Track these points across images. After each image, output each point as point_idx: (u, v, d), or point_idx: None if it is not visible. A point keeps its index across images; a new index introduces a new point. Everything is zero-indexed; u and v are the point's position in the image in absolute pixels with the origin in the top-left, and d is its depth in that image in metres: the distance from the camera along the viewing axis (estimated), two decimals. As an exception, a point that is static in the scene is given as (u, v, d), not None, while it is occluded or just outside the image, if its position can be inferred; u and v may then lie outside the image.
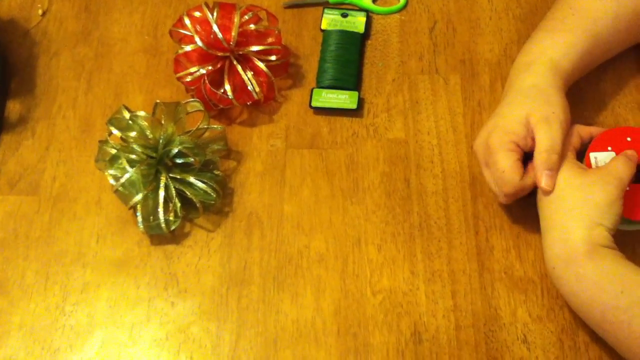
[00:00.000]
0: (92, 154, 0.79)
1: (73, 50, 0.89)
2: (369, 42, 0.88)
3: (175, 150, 0.74)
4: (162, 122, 0.76)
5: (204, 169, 0.77)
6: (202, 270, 0.74)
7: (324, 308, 0.72)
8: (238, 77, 0.81)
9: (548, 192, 0.68)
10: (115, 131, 0.75)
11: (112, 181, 0.74)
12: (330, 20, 0.89)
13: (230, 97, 0.80)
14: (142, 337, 0.72)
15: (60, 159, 0.81)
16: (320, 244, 0.76)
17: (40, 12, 0.92)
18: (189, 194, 0.75)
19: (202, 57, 0.81)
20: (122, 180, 0.73)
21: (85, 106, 0.85)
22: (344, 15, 0.89)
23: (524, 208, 0.74)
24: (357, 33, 0.87)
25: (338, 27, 0.88)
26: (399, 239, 0.75)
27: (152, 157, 0.74)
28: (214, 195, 0.75)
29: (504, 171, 0.69)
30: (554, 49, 0.74)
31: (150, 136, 0.75)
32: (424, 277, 0.73)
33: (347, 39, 0.87)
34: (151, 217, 0.74)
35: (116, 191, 0.74)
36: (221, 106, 0.81)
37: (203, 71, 0.80)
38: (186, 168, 0.76)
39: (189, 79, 0.81)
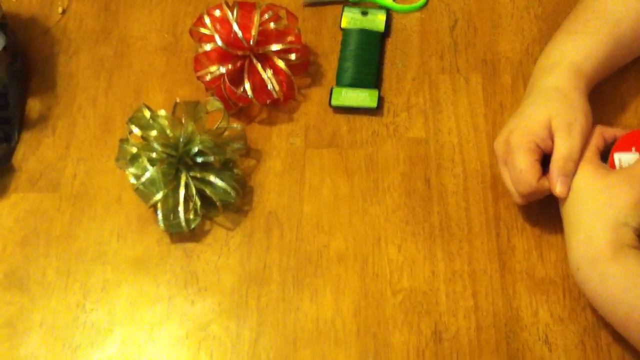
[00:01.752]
0: (112, 153, 0.80)
1: (93, 49, 0.90)
2: (389, 40, 0.88)
3: (196, 149, 0.74)
4: (183, 121, 0.76)
5: (223, 167, 0.77)
6: (222, 269, 0.74)
7: (344, 308, 0.72)
8: (258, 76, 0.80)
9: (563, 198, 0.68)
10: (135, 130, 0.75)
11: (132, 180, 0.74)
12: (350, 18, 0.88)
13: (249, 96, 0.80)
14: (162, 335, 0.72)
15: (80, 157, 0.82)
16: (340, 243, 0.75)
17: (60, 10, 0.93)
18: (208, 192, 0.75)
19: (222, 56, 0.81)
20: (143, 179, 0.73)
21: (106, 105, 0.85)
22: (364, 14, 0.88)
23: (546, 209, 0.73)
24: (377, 32, 0.87)
25: (358, 26, 0.87)
26: (419, 239, 0.75)
27: (172, 156, 0.74)
28: (234, 194, 0.75)
29: (521, 171, 0.68)
30: (575, 52, 0.73)
31: (171, 135, 0.75)
32: (444, 277, 0.73)
33: (367, 38, 0.87)
34: (171, 216, 0.74)
35: (137, 190, 0.74)
36: (241, 105, 0.81)
37: (223, 70, 0.80)
38: (206, 167, 0.76)
39: (208, 77, 0.81)
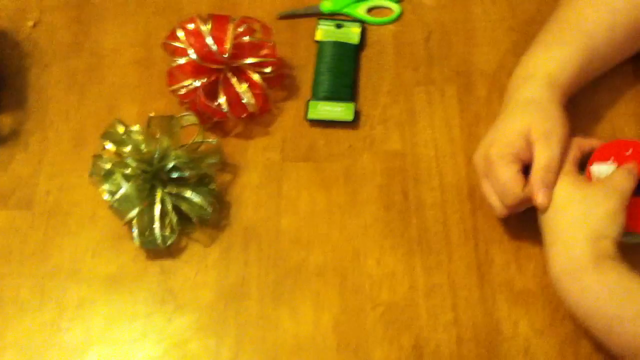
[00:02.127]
0: (85, 168, 0.78)
1: (65, 62, 0.88)
2: (364, 53, 0.88)
3: (171, 164, 0.73)
4: (157, 136, 0.75)
5: (199, 183, 0.76)
6: (200, 286, 0.73)
7: (324, 323, 0.71)
8: (233, 89, 0.80)
9: (544, 209, 0.68)
10: (109, 145, 0.74)
11: (106, 196, 0.73)
12: (324, 31, 0.88)
13: (225, 110, 0.79)
14: (139, 353, 0.70)
15: (53, 173, 0.80)
16: (319, 258, 0.75)
17: (30, 23, 0.91)
18: (184, 208, 0.74)
19: (196, 70, 0.80)
20: (117, 195, 0.72)
21: (78, 119, 0.84)
22: (339, 26, 0.88)
23: (524, 220, 0.73)
24: (352, 44, 0.87)
25: (332, 39, 0.87)
26: (397, 253, 0.75)
27: (147, 172, 0.74)
28: (210, 210, 0.75)
29: (505, 183, 0.69)
30: (550, 64, 0.74)
31: (145, 150, 0.74)
32: (423, 290, 0.73)
33: (342, 51, 0.87)
34: (147, 232, 0.73)
35: (111, 206, 0.73)
36: (216, 119, 0.81)
37: (197, 84, 0.79)
38: (181, 182, 0.75)
39: (183, 91, 0.80)
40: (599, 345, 0.68)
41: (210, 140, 0.79)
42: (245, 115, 0.81)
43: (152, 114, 0.76)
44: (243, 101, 0.80)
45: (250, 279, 0.74)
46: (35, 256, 0.75)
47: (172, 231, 0.74)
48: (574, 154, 0.70)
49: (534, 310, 0.71)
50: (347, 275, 0.74)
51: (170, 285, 0.73)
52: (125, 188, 0.72)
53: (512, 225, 0.75)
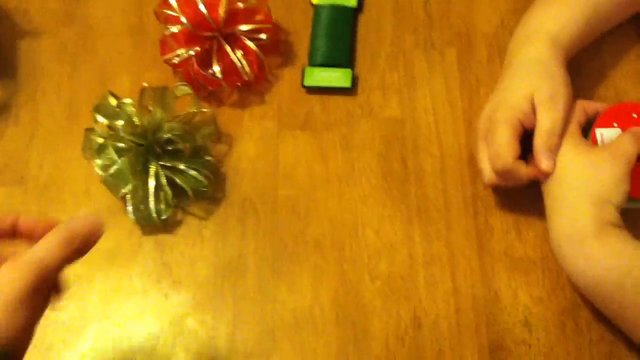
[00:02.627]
0: (78, 142, 0.77)
1: (55, 32, 0.86)
2: (362, 16, 0.85)
3: (165, 137, 0.72)
4: (150, 108, 0.74)
5: (194, 155, 0.74)
6: (196, 260, 0.73)
7: (322, 296, 0.71)
8: (227, 57, 0.78)
9: (548, 174, 0.67)
10: (101, 119, 0.72)
11: (99, 171, 0.72)
12: (321, -7, 0.86)
13: (219, 79, 0.77)
14: (136, 330, 0.70)
15: (45, 147, 0.79)
16: (317, 229, 0.74)
17: (20, -9, 0.89)
18: (179, 181, 0.73)
19: (190, 38, 0.78)
20: (111, 170, 0.71)
21: (70, 91, 0.82)
22: (336, -11, 0.86)
23: (524, 188, 0.72)
24: (350, 7, 0.85)
25: (329, 2, 0.85)
26: (396, 222, 0.74)
27: (140, 145, 0.72)
28: (206, 182, 0.73)
29: (500, 145, 0.67)
30: (552, 22, 0.72)
31: (138, 123, 0.73)
32: (423, 260, 0.72)
33: (339, 14, 0.84)
34: (142, 207, 0.72)
35: (104, 181, 0.72)
36: (210, 88, 0.79)
37: (191, 52, 0.78)
38: (176, 155, 0.73)
39: (176, 60, 0.78)
40: (599, 315, 0.67)
41: (204, 110, 0.77)
42: (240, 83, 0.79)
43: (145, 85, 0.75)
44: (238, 69, 0.78)
45: (248, 252, 0.73)
46: (30, 233, 0.75)
47: (168, 205, 0.73)
48: (577, 117, 0.69)
49: (533, 279, 0.70)
50: (345, 247, 0.73)
51: (167, 261, 0.73)
52: (118, 163, 0.71)
53: (512, 193, 0.73)
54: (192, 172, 0.73)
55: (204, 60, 0.78)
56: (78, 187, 0.77)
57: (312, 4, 0.85)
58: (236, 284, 0.72)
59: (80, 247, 0.49)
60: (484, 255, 0.72)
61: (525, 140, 0.68)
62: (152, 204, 0.72)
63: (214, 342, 0.69)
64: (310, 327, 0.69)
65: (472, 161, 0.75)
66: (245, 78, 0.78)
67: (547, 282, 0.70)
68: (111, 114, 0.73)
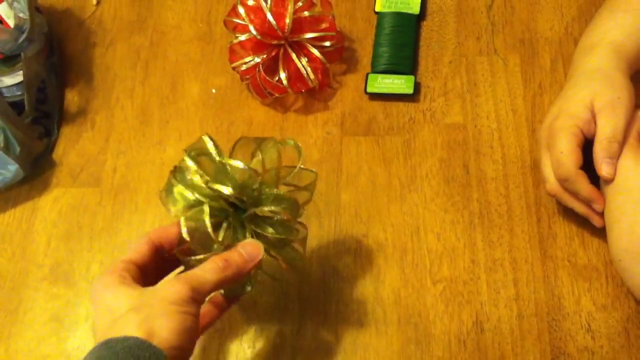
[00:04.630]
0: (150, 144, 0.81)
1: (128, 39, 0.90)
2: (425, 23, 0.86)
3: (269, 209, 0.60)
4: (259, 170, 0.60)
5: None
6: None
7: (384, 298, 0.72)
8: (292, 64, 0.80)
9: (609, 181, 0.66)
10: (191, 162, 0.59)
11: (184, 230, 0.58)
12: (384, 1, 0.87)
13: (285, 85, 0.80)
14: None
15: (120, 150, 0.83)
16: (379, 232, 0.75)
17: (94, 1, 0.93)
18: (273, 254, 0.63)
19: (257, 46, 0.80)
20: (197, 234, 0.58)
21: (143, 96, 0.86)
22: (399, -4, 0.87)
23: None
24: (412, 14, 0.86)
25: (392, 9, 0.86)
26: (458, 227, 0.74)
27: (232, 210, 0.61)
28: (299, 255, 0.64)
29: (562, 152, 0.67)
30: (616, 31, 0.71)
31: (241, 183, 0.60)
32: (485, 265, 0.72)
33: (402, 21, 0.85)
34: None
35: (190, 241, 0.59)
36: (276, 94, 0.81)
37: (258, 60, 0.80)
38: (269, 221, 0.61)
39: (243, 67, 0.81)
40: (665, 323, 0.66)
41: (311, 170, 0.64)
42: (304, 90, 0.81)
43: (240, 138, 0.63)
44: (303, 76, 0.80)
45: (312, 254, 0.75)
46: (104, 232, 0.78)
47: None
48: (638, 127, 0.68)
49: (597, 286, 0.70)
50: (408, 250, 0.74)
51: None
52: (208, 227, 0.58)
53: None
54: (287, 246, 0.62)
55: (270, 67, 0.81)
56: (150, 187, 0.80)
57: (375, 12, 0.87)
58: (301, 284, 0.73)
59: (234, 273, 0.58)
60: (547, 262, 0.72)
61: (588, 153, 0.68)
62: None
63: (279, 339, 0.71)
64: (372, 327, 0.71)
65: (535, 167, 0.76)
66: (310, 85, 0.80)
67: (611, 289, 0.70)
68: (211, 171, 0.60)
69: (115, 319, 0.53)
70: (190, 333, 0.54)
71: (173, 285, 0.55)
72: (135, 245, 0.60)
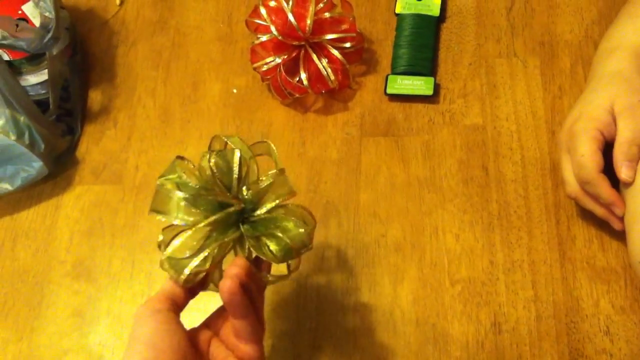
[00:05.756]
0: (172, 143, 0.82)
1: (151, 39, 0.91)
2: (445, 25, 0.87)
3: (264, 213, 0.59)
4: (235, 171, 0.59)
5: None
6: (281, 259, 0.75)
7: (402, 298, 0.72)
8: (313, 65, 0.81)
9: (629, 183, 0.66)
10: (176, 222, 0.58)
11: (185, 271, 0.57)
12: (404, 3, 0.87)
13: (305, 86, 0.80)
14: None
15: (141, 148, 0.84)
16: (397, 232, 0.76)
17: (117, 1, 0.94)
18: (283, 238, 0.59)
19: (278, 46, 0.81)
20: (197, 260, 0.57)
21: (165, 95, 0.87)
22: (419, -2, 0.87)
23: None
24: (432, 16, 0.86)
25: (412, 11, 0.87)
26: (477, 228, 0.75)
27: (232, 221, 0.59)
28: (308, 230, 0.60)
29: (583, 155, 0.67)
30: (636, 35, 0.71)
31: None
32: (503, 267, 0.73)
33: (422, 23, 0.86)
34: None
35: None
36: (296, 95, 0.82)
37: (279, 60, 0.81)
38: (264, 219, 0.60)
39: (265, 68, 0.82)
40: (684, 326, 0.66)
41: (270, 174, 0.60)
42: (324, 90, 0.82)
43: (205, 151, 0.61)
44: (323, 77, 0.80)
45: (331, 253, 0.75)
46: (126, 229, 0.79)
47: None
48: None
49: (615, 289, 0.70)
50: (426, 250, 0.74)
51: (253, 259, 0.76)
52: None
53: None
54: (293, 229, 0.59)
55: (291, 68, 0.81)
56: (171, 187, 0.80)
57: (396, 14, 0.87)
58: (319, 283, 0.74)
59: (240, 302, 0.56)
60: (566, 263, 0.72)
61: (608, 157, 0.68)
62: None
63: (297, 338, 0.72)
64: (391, 328, 0.71)
65: (555, 169, 0.76)
66: (330, 85, 0.81)
67: (630, 292, 0.70)
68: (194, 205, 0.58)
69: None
70: None
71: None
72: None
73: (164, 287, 0.58)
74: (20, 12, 0.83)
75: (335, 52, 0.81)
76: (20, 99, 0.77)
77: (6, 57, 0.80)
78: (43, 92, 0.81)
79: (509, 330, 0.70)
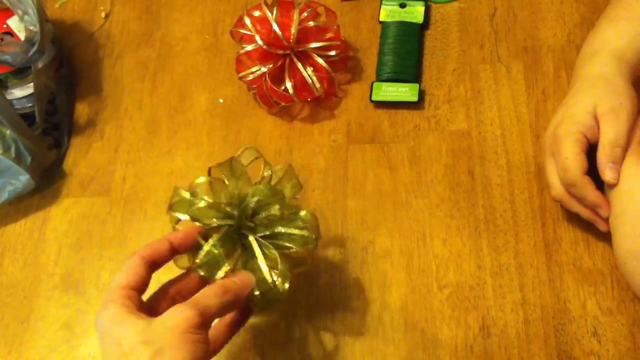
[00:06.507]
0: (159, 154, 0.82)
1: (136, 52, 0.91)
2: (428, 32, 0.87)
3: (254, 200, 0.63)
4: (226, 181, 0.65)
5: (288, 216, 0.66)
6: (270, 268, 0.76)
7: (391, 303, 0.73)
8: (298, 73, 0.81)
9: (613, 185, 0.67)
10: (182, 216, 0.64)
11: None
12: (388, 11, 0.88)
13: (291, 94, 0.81)
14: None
15: (129, 160, 0.84)
16: (385, 239, 0.76)
17: (103, 14, 0.95)
18: (287, 244, 0.65)
19: (263, 56, 0.82)
20: (202, 257, 0.62)
21: (151, 107, 0.87)
22: (402, 6, 0.88)
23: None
24: (416, 23, 0.87)
25: (396, 18, 0.87)
26: (464, 233, 0.75)
27: (230, 226, 0.64)
28: (313, 236, 0.65)
29: (567, 158, 0.68)
30: (618, 38, 0.72)
31: (223, 201, 0.64)
32: (490, 271, 0.73)
33: (406, 30, 0.87)
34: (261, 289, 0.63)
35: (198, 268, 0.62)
36: (282, 103, 0.82)
37: (264, 69, 0.81)
38: (271, 222, 0.65)
39: (250, 77, 0.82)
40: (671, 326, 0.67)
41: (278, 167, 0.69)
42: (310, 98, 0.82)
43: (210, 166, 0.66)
44: (309, 85, 0.81)
45: (319, 260, 0.75)
46: (114, 241, 0.79)
47: (284, 276, 0.64)
48: None
49: (602, 290, 0.71)
50: (414, 256, 0.75)
51: (242, 268, 0.76)
52: (210, 252, 0.62)
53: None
54: (296, 231, 0.64)
55: (277, 77, 0.82)
56: (159, 197, 0.81)
57: (380, 21, 0.88)
58: (308, 291, 0.74)
59: (233, 299, 0.59)
60: (552, 266, 0.72)
61: (592, 159, 0.69)
62: (268, 276, 0.63)
63: (288, 346, 0.72)
64: (380, 333, 0.71)
65: (540, 173, 0.77)
66: (316, 93, 0.81)
67: (617, 293, 0.71)
68: (192, 210, 0.64)
69: (126, 354, 0.53)
70: None
71: (182, 311, 0.54)
72: (130, 268, 0.59)
73: (114, 281, 0.59)
74: (5, 25, 0.83)
75: (321, 61, 0.82)
76: (6, 112, 0.77)
77: (-8, 71, 0.80)
78: (29, 105, 0.82)
79: (497, 333, 0.70)
